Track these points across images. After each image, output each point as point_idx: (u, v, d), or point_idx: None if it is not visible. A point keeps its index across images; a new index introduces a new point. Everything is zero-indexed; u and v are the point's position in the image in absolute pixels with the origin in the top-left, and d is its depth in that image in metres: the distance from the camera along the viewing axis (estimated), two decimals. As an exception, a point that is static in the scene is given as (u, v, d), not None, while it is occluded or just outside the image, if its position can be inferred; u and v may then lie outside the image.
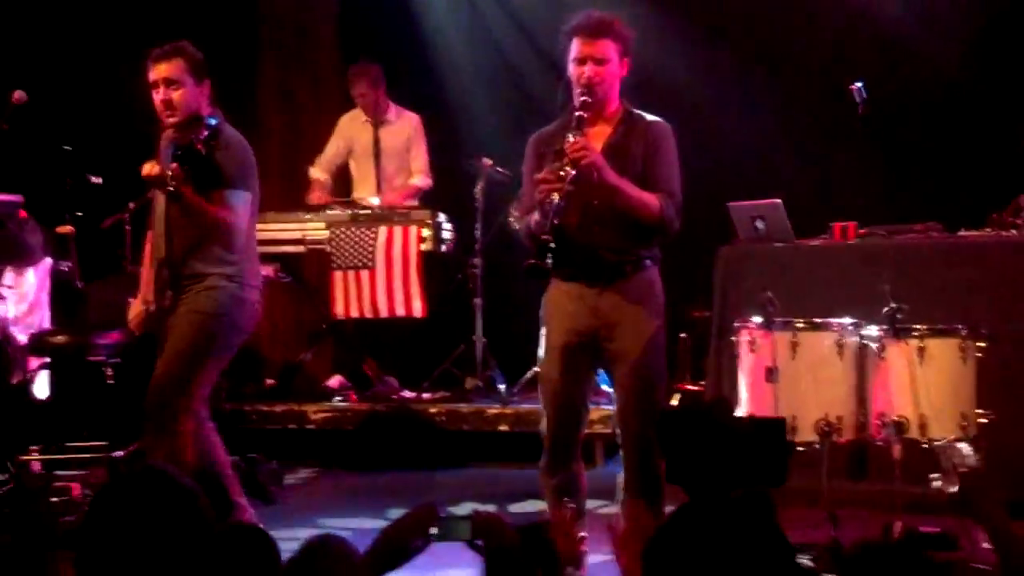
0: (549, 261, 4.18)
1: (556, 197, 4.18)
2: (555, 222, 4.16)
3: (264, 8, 9.19)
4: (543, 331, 4.55)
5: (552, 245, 4.15)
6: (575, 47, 4.41)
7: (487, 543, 2.89)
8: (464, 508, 4.59)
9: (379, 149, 7.99)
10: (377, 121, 7.99)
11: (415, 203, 7.88)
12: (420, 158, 7.99)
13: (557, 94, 4.61)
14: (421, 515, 2.93)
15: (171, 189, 4.64)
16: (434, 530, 2.91)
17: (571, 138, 4.26)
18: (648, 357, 4.43)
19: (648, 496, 4.45)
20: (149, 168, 4.78)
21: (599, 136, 4.42)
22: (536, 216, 4.28)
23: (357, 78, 7.96)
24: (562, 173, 4.22)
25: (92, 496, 2.60)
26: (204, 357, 4.91)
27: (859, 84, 6.68)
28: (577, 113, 4.34)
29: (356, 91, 7.98)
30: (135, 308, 5.21)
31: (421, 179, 7.97)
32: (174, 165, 4.67)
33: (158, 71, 4.94)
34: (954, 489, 2.94)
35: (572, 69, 4.42)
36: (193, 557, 2.46)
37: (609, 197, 4.32)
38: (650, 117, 4.53)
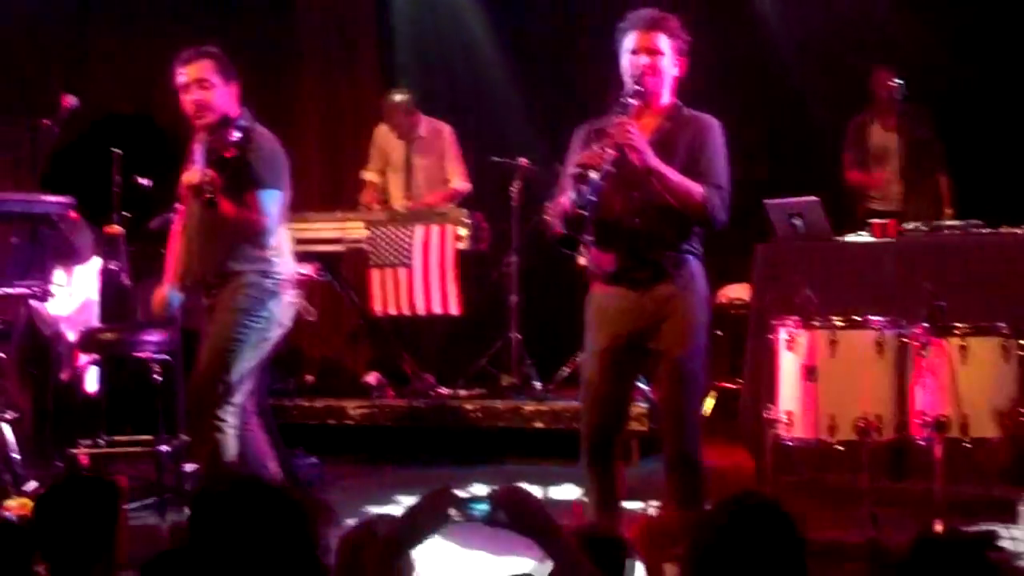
0: (584, 236, 4.22)
1: (595, 174, 4.18)
2: (592, 199, 4.15)
3: (305, 14, 9.28)
4: (587, 334, 4.55)
5: (586, 216, 4.15)
6: (631, 39, 4.45)
7: (511, 515, 2.90)
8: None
9: (410, 166, 8.07)
10: (409, 139, 8.07)
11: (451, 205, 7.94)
12: (456, 166, 8.05)
13: (606, 92, 4.64)
14: (437, 497, 2.97)
15: (208, 197, 4.71)
16: (453, 512, 2.94)
17: (614, 121, 4.30)
18: (690, 354, 4.42)
19: (686, 495, 4.46)
20: (189, 177, 4.84)
21: (646, 128, 4.42)
22: (571, 194, 4.25)
23: (391, 111, 8.05)
24: (604, 153, 4.23)
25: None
26: (241, 352, 4.96)
27: (899, 81, 6.68)
28: (624, 98, 4.36)
29: (391, 122, 8.07)
30: (159, 292, 5.25)
31: (460, 183, 8.01)
32: (210, 172, 4.74)
33: (187, 73, 5.00)
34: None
35: (627, 60, 4.45)
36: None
37: (652, 184, 4.31)
38: (699, 113, 4.53)
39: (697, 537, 2.64)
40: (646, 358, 4.54)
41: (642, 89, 4.39)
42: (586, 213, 4.15)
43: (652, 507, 4.56)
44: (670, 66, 4.47)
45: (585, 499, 4.65)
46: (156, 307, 5.28)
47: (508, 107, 8.94)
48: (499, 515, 2.89)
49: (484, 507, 2.90)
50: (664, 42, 4.44)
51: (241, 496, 2.62)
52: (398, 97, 8.06)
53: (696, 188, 4.34)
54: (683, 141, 4.44)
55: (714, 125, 4.50)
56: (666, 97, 4.51)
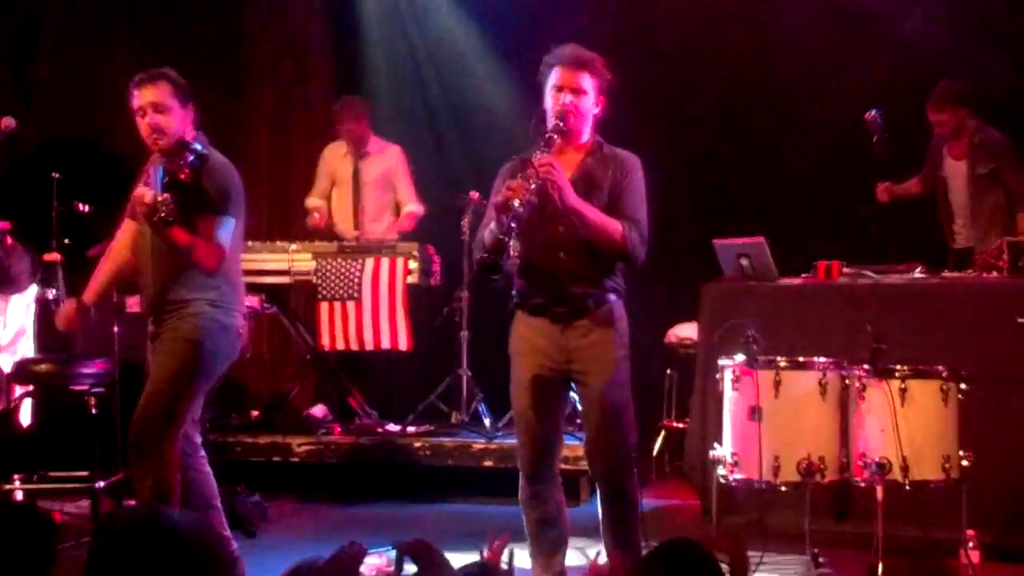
0: (505, 259, 4.20)
1: (516, 203, 4.20)
2: (513, 226, 4.17)
3: (258, 38, 9.22)
4: (512, 363, 4.57)
5: (507, 242, 4.16)
6: (555, 75, 4.48)
7: (420, 567, 2.93)
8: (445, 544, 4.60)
9: (359, 182, 8.04)
10: (358, 154, 8.04)
11: (396, 236, 7.89)
12: (407, 187, 8.03)
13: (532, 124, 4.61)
14: (350, 553, 2.97)
15: (162, 216, 4.62)
16: (363, 569, 2.95)
17: (538, 155, 4.31)
18: (611, 391, 4.44)
19: (620, 531, 4.48)
20: (142, 193, 4.74)
21: (569, 164, 4.46)
22: (493, 225, 4.30)
23: (343, 113, 8.01)
24: (527, 184, 4.25)
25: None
26: (188, 384, 4.86)
27: (876, 112, 6.67)
28: (547, 134, 4.38)
29: (342, 126, 8.02)
30: (67, 307, 5.13)
31: (415, 206, 8.00)
32: (165, 195, 4.64)
33: (143, 96, 4.88)
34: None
35: (550, 96, 4.48)
36: None
37: (572, 221, 4.35)
38: (620, 150, 4.58)
39: None
40: (569, 389, 4.58)
41: (564, 127, 4.42)
42: (507, 239, 4.17)
43: (597, 551, 4.51)
44: (592, 105, 4.51)
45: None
46: (61, 323, 5.14)
47: (460, 140, 8.93)
48: (407, 566, 2.93)
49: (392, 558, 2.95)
50: (587, 81, 4.47)
51: (137, 536, 2.51)
52: (349, 98, 8.03)
53: (615, 226, 4.39)
54: (605, 178, 4.48)
55: (635, 162, 4.55)
56: (587, 135, 4.56)
